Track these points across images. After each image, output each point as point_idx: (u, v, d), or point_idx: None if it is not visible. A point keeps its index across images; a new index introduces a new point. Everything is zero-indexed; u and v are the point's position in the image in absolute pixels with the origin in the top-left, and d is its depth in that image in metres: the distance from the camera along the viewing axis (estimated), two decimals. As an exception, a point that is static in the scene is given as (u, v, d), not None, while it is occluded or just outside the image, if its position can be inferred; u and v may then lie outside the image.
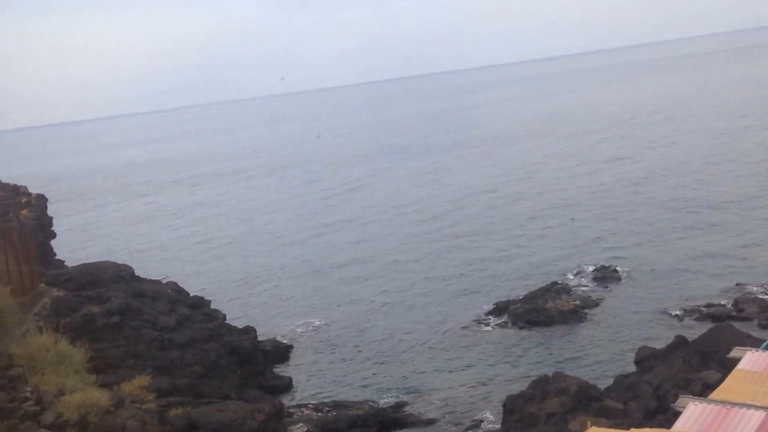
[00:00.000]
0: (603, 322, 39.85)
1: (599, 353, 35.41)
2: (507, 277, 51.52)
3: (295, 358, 41.95)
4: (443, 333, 42.50)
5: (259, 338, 40.22)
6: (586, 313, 41.48)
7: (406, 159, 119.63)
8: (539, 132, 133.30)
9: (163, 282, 38.18)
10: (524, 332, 40.31)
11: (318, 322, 47.48)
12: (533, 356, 36.23)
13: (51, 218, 62.70)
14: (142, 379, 25.72)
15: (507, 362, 35.98)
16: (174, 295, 36.48)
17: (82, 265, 35.34)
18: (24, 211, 58.86)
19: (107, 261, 36.39)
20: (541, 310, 42.14)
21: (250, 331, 39.00)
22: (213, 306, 39.38)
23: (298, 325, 47.21)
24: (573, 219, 63.74)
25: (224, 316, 37.90)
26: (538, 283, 49.03)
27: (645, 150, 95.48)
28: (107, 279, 34.72)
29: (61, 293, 33.28)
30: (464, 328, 42.74)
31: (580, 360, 34.68)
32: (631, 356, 32.12)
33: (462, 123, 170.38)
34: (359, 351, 41.60)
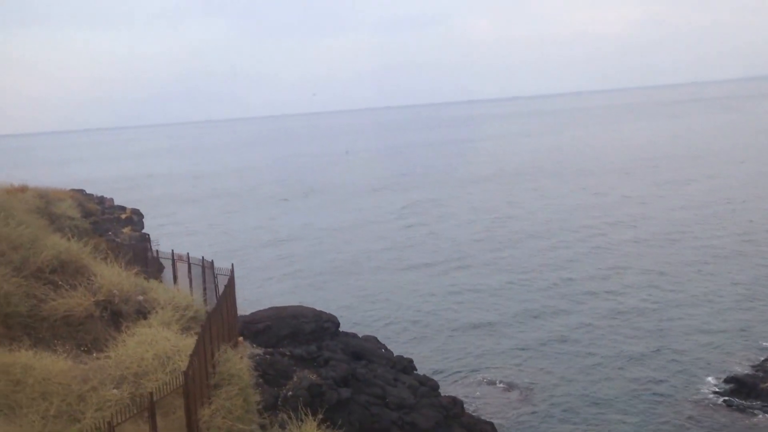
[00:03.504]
0: None
1: None
2: (709, 340, 42.42)
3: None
4: (680, 413, 33.39)
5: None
6: None
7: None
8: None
9: (360, 336, 29.37)
10: (812, 425, 31.10)
11: (495, 383, 38.08)
12: None
13: (149, 237, 54.48)
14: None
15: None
16: (390, 356, 27.75)
17: (272, 310, 26.71)
18: (126, 229, 50.68)
19: (302, 306, 27.78)
20: (819, 394, 32.98)
21: (457, 402, 29.99)
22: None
23: (473, 385, 37.90)
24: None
25: (437, 384, 28.99)
26: (742, 349, 40.52)
27: None
28: (310, 332, 26.06)
29: (259, 350, 24.66)
30: (710, 408, 33.57)
31: None
32: None
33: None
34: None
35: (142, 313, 21.20)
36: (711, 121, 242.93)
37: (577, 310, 49.43)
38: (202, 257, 26.00)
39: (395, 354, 29.46)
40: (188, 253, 26.87)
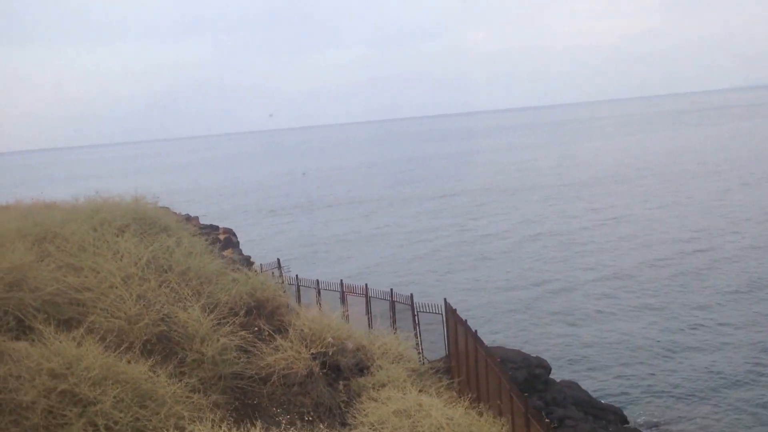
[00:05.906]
0: None
1: None
2: None
3: None
4: None
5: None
6: None
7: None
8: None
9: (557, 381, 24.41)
10: None
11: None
12: None
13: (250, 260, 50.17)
14: None
15: None
16: (603, 406, 22.81)
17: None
18: (227, 251, 46.24)
19: (504, 348, 23.03)
20: None
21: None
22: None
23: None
24: None
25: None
26: None
27: None
28: (523, 381, 21.24)
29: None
30: None
31: None
32: None
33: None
34: None
35: (363, 367, 16.55)
36: (736, 127, 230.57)
37: None
38: (391, 289, 21.34)
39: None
40: (366, 284, 22.22)
